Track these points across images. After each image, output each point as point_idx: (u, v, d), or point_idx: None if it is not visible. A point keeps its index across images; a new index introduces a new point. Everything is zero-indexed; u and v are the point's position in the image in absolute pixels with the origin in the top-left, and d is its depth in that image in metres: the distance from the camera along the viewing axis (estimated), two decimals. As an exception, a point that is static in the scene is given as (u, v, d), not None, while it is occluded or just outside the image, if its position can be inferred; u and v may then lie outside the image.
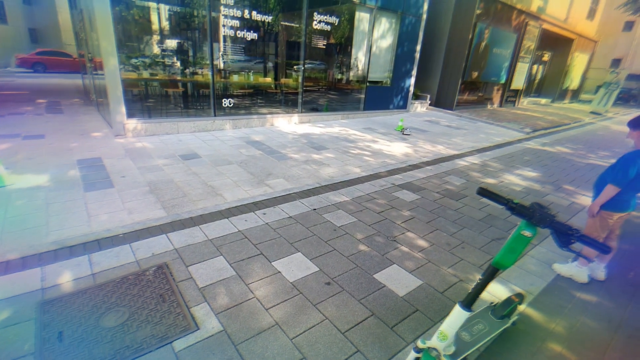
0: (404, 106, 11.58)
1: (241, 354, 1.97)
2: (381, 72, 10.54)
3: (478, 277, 2.51)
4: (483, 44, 13.12)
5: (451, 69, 12.85)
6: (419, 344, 1.77)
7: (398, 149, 6.89)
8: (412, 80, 11.38)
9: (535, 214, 1.51)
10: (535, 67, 19.47)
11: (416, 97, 12.73)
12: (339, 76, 10.02)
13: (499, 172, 6.03)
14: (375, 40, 9.83)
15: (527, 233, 1.54)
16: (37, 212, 3.37)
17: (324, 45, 8.94)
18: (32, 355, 1.87)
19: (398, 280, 2.75)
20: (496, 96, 15.87)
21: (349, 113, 9.97)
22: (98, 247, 2.86)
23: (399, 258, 3.06)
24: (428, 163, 6.11)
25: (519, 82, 16.68)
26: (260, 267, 2.76)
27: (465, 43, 12.32)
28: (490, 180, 5.50)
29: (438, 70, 13.12)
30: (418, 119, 10.92)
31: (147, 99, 6.83)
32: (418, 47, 11.02)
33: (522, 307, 2.52)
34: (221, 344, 2.03)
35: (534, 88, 20.95)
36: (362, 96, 10.25)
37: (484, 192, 1.63)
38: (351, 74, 10.07)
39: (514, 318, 2.28)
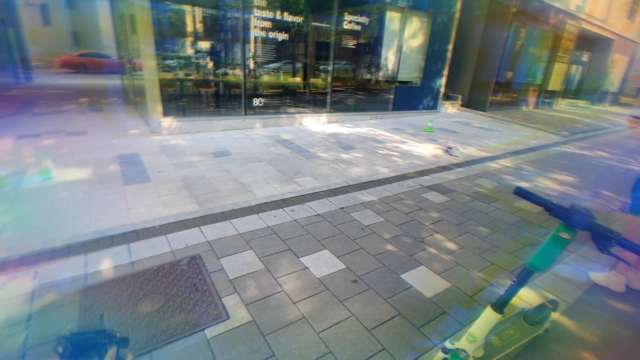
0: (434, 107, 11.34)
1: (269, 344, 2.02)
2: (411, 72, 10.38)
3: (510, 280, 2.43)
4: (519, 43, 12.60)
5: (484, 69, 12.43)
6: (448, 344, 1.74)
7: (427, 150, 6.76)
8: (443, 81, 11.12)
9: (574, 215, 1.45)
10: (574, 68, 18.47)
11: (447, 97, 12.43)
12: (368, 76, 9.96)
13: (533, 175, 5.78)
14: (405, 40, 9.70)
15: (565, 235, 1.48)
16: (80, 203, 3.61)
17: (353, 45, 8.94)
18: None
19: (426, 281, 2.71)
20: (532, 98, 15.19)
21: (378, 113, 9.90)
22: (136, 237, 3.02)
23: (427, 259, 3.02)
24: (458, 165, 5.96)
25: (556, 84, 15.88)
26: (288, 262, 2.81)
27: (500, 42, 11.88)
28: (524, 184, 5.28)
29: (470, 70, 12.74)
30: (448, 119, 10.66)
31: (182, 99, 7.11)
32: (450, 47, 10.76)
33: (555, 315, 2.42)
34: (250, 334, 2.09)
35: (573, 90, 19.86)
36: (391, 96, 10.15)
37: (521, 192, 1.58)
38: (380, 74, 9.99)
39: (546, 325, 2.19)
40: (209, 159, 5.28)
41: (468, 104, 12.96)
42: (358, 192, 4.38)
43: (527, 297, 2.64)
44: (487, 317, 1.62)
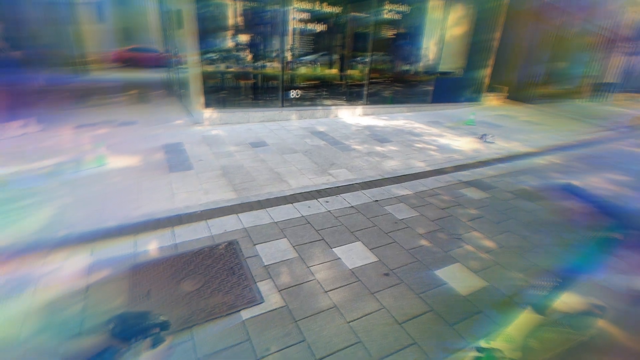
0: (476, 99, 10.82)
1: (301, 329, 2.08)
2: (453, 63, 9.95)
3: (553, 282, 2.31)
4: (572, 31, 11.59)
5: (532, 59, 11.61)
6: (483, 343, 1.70)
7: (467, 145, 6.50)
8: (488, 71, 10.56)
9: (627, 216, 1.35)
10: (633, 58, 16.67)
11: (491, 89, 11.79)
12: (406, 67, 9.69)
13: (583, 173, 5.35)
14: (448, 29, 9.30)
15: (615, 235, 1.38)
16: (130, 188, 3.89)
17: (392, 35, 8.72)
18: (125, 307, 2.20)
19: (461, 279, 2.64)
20: (585, 90, 13.98)
21: (415, 105, 9.63)
22: (179, 221, 3.21)
23: (463, 257, 2.93)
24: (500, 160, 5.67)
25: (612, 75, 14.46)
26: (321, 252, 2.86)
27: (551, 30, 11.01)
28: (573, 182, 4.92)
29: (518, 59, 11.94)
30: (492, 112, 10.13)
31: (222, 91, 7.35)
32: (496, 35, 10.16)
33: (602, 322, 2.26)
34: (283, 318, 2.17)
35: (632, 82, 17.96)
36: (430, 88, 9.81)
37: (570, 189, 1.49)
38: (419, 64, 9.67)
39: (591, 331, 2.06)
40: (246, 149, 5.45)
41: (514, 96, 12.20)
42: (392, 186, 4.32)
43: (571, 301, 2.49)
44: (527, 319, 1.57)
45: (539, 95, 11.92)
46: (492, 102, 11.74)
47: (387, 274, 2.63)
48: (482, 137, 6.38)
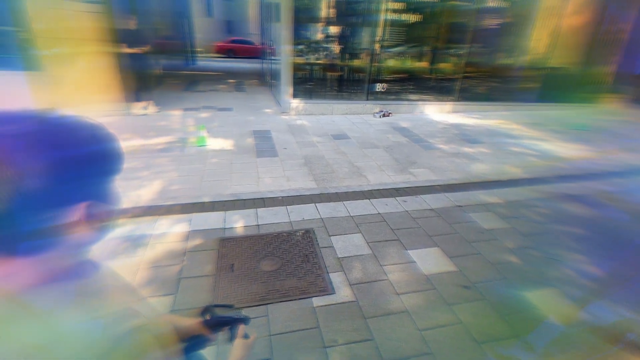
0: (593, 100, 9.23)
1: (369, 327, 2.07)
2: (567, 57, 8.62)
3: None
4: None
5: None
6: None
7: (576, 152, 5.61)
8: (611, 68, 8.90)
9: None
10: None
11: (613, 89, 9.92)
12: (509, 61, 8.71)
13: None
14: (566, 17, 8.06)
15: None
16: (223, 169, 4.29)
17: (495, 25, 7.90)
18: (212, 276, 2.44)
19: (556, 307, 2.32)
20: None
21: (515, 104, 8.63)
22: (263, 204, 3.44)
23: (561, 281, 2.56)
24: (618, 174, 4.77)
25: None
26: (395, 252, 2.79)
27: None
28: None
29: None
30: (612, 117, 8.55)
31: (309, 82, 7.58)
32: (626, 27, 8.46)
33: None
34: (352, 313, 2.18)
35: None
36: (536, 85, 8.68)
37: None
38: (525, 58, 8.61)
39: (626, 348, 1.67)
40: (328, 140, 5.56)
41: (648, 98, 10.08)
42: (480, 191, 3.98)
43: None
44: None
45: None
46: (612, 105, 9.88)
47: (467, 287, 2.44)
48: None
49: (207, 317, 0.85)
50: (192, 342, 0.85)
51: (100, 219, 0.52)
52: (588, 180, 4.49)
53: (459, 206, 3.61)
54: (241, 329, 0.85)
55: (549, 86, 8.68)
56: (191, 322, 0.86)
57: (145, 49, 6.80)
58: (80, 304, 0.49)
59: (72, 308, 0.49)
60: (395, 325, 2.10)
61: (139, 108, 6.44)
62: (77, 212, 0.48)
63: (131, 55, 6.29)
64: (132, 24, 6.18)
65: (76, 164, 0.47)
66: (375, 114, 6.98)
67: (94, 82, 5.77)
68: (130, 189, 3.55)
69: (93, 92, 5.80)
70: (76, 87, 5.63)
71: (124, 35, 6.07)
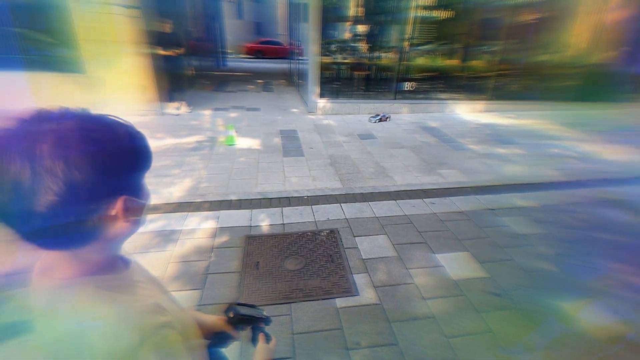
0: (638, 99, 8.59)
1: (394, 331, 2.03)
2: (613, 52, 8.06)
3: None
4: None
5: None
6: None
7: (622, 155, 5.24)
8: (666, 63, 8.22)
9: None
10: None
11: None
12: (545, 57, 8.25)
13: None
14: (611, 10, 7.53)
15: None
16: (251, 167, 4.36)
17: (532, 20, 7.52)
18: (238, 273, 2.49)
19: (595, 318, 2.17)
20: None
21: (553, 103, 8.17)
22: (288, 203, 3.47)
23: (601, 293, 2.40)
24: (673, 179, 4.40)
25: None
26: (421, 256, 2.72)
27: None
28: None
29: None
30: (664, 116, 7.91)
31: (336, 82, 7.57)
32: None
33: None
34: (376, 316, 2.15)
35: None
36: (576, 82, 8.18)
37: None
38: (563, 54, 8.12)
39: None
40: (354, 140, 5.52)
41: None
42: (513, 194, 3.80)
43: None
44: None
45: None
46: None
47: (498, 294, 2.34)
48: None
49: (231, 314, 0.87)
50: (215, 339, 0.86)
51: (135, 213, 0.54)
52: (632, 185, 4.17)
53: (491, 209, 3.47)
54: (262, 336, 0.86)
55: (589, 84, 8.14)
56: (215, 319, 0.87)
57: (179, 51, 7.04)
58: (112, 299, 0.51)
59: (104, 303, 0.50)
60: (420, 331, 2.04)
61: (172, 108, 6.69)
62: (115, 205, 0.50)
63: (166, 57, 6.55)
64: (167, 27, 6.42)
65: (115, 158, 0.49)
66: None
67: (131, 83, 6.06)
68: (162, 186, 3.70)
69: (130, 93, 6.10)
70: (114, 88, 5.94)
71: (159, 37, 6.32)
